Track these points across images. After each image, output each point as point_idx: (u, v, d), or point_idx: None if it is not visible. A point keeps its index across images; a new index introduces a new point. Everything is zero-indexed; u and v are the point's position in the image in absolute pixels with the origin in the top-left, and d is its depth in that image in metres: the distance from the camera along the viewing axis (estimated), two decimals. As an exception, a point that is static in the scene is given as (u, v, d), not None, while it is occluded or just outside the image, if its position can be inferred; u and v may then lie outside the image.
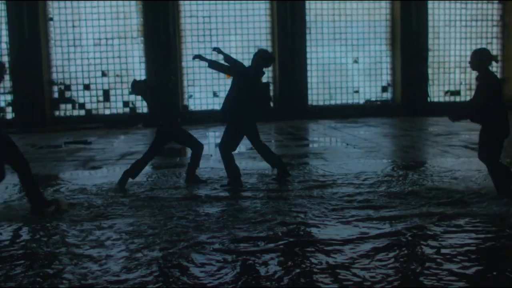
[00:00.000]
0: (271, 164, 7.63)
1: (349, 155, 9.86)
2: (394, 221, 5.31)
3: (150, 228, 5.29)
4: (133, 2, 18.20)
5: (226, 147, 7.23)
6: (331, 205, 6.03)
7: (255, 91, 7.15)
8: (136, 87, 7.63)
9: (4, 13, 17.45)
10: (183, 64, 18.42)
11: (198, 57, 7.48)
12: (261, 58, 7.24)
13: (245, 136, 7.38)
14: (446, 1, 19.30)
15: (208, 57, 7.73)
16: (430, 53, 19.26)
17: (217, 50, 7.39)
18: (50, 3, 17.99)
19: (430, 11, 19.05)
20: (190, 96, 18.58)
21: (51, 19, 18.06)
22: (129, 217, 5.76)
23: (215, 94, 18.60)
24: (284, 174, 7.49)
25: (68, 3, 18.02)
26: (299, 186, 7.10)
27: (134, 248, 4.68)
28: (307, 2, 18.52)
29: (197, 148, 7.72)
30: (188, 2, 18.37)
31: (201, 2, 18.39)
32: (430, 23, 19.11)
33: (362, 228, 5.12)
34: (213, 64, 7.38)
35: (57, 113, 18.30)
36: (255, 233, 5.06)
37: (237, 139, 7.29)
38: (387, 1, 19.14)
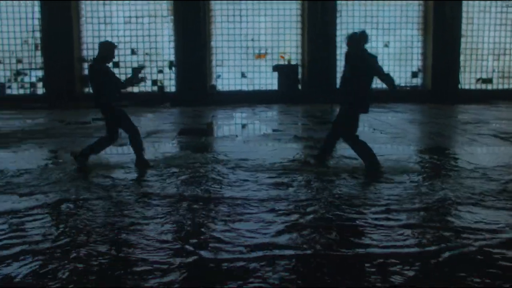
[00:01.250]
0: (322, 147, 7.54)
1: (375, 140, 9.77)
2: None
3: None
4: (164, -19, 18.22)
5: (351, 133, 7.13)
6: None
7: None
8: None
9: (37, -11, 17.64)
10: (212, 44, 18.40)
11: None
12: (363, 39, 6.89)
13: None
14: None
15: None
16: (463, 39, 18.90)
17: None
18: (82, -20, 18.11)
19: (464, -3, 18.69)
20: (218, 76, 18.59)
21: (83, -4, 18.20)
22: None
23: (243, 75, 18.57)
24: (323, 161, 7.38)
25: (100, -19, 18.14)
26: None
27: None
28: (338, -16, 18.31)
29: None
30: (219, -18, 18.32)
31: (232, -18, 18.33)
32: (464, 8, 18.73)
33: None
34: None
35: (86, 90, 18.48)
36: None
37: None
38: (421, -16, 18.82)
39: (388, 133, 10.79)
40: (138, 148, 7.46)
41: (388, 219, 4.91)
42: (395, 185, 6.20)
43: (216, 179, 6.52)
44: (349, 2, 18.69)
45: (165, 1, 18.24)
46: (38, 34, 17.99)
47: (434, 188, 6.04)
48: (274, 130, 11.40)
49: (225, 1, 18.37)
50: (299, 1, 18.48)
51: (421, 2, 18.87)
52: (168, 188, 6.09)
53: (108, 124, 7.48)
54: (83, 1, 18.17)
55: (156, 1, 18.26)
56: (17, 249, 4.14)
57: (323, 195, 5.76)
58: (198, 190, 5.97)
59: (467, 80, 19.25)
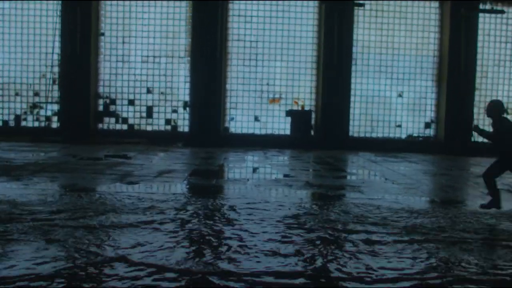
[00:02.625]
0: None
1: (387, 190, 9.70)
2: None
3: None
4: (182, 22, 18.52)
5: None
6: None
7: None
8: None
9: (58, 26, 17.98)
10: (227, 86, 18.58)
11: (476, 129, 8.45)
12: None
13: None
14: (497, 41, 19.07)
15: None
16: (476, 92, 18.96)
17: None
18: (102, 19, 18.46)
19: (479, 49, 18.81)
20: (232, 119, 18.68)
21: (103, 34, 18.52)
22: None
23: (256, 119, 18.66)
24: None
25: (120, 20, 18.48)
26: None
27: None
28: (354, 33, 18.52)
29: None
30: (237, 25, 18.60)
31: (249, 26, 18.60)
32: (478, 62, 18.85)
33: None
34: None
35: (100, 125, 18.64)
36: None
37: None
38: (436, 35, 18.96)
39: (400, 183, 10.72)
40: None
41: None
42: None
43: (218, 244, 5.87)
44: (365, 51, 18.87)
45: (182, 42, 18.51)
46: (56, 69, 18.27)
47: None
48: (285, 176, 11.38)
49: (242, 44, 18.62)
50: (315, 47, 18.67)
51: (436, 53, 19.01)
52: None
53: None
54: (103, 38, 18.48)
55: (174, 41, 18.53)
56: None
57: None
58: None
59: (480, 133, 19.18)
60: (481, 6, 18.78)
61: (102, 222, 6.24)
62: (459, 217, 7.39)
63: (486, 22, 19.01)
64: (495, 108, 7.86)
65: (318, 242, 5.72)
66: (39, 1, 18.31)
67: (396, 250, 5.54)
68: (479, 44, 18.81)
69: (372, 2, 18.79)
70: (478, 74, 18.91)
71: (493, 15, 19.02)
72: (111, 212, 6.81)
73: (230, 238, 5.77)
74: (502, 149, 7.91)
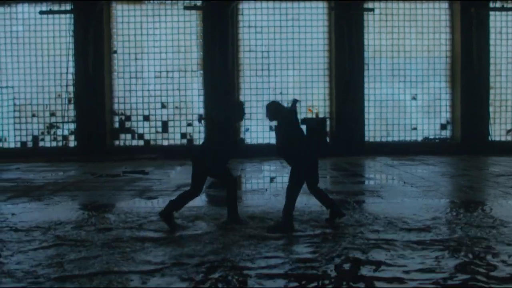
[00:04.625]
0: (325, 205, 7.38)
1: (406, 194, 9.66)
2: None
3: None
4: (193, 36, 18.67)
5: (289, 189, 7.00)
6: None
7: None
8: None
9: (71, 46, 18.20)
10: (241, 97, 18.63)
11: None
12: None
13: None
14: (509, 39, 18.96)
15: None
16: (491, 91, 18.83)
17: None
18: (115, 36, 18.66)
19: (492, 48, 18.71)
20: (247, 130, 18.73)
21: (115, 52, 18.72)
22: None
23: (271, 128, 18.68)
24: (337, 215, 7.23)
25: (132, 37, 18.68)
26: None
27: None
28: (365, 38, 18.53)
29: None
30: (247, 36, 18.70)
31: (259, 37, 18.69)
32: (491, 60, 18.74)
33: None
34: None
35: (116, 142, 18.79)
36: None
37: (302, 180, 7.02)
38: (447, 36, 18.90)
39: (419, 186, 10.67)
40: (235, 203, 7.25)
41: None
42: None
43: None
44: (376, 55, 18.86)
45: (194, 55, 18.64)
46: (71, 88, 18.48)
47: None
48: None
49: (254, 55, 18.70)
50: (326, 54, 18.70)
51: (448, 54, 18.94)
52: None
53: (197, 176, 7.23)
54: (116, 55, 18.67)
55: (186, 56, 18.66)
56: None
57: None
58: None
59: (497, 132, 19.06)
60: (491, 4, 18.70)
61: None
62: None
63: (497, 20, 18.92)
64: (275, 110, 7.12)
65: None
66: (51, 24, 18.56)
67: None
68: (491, 42, 18.71)
69: (382, 6, 18.80)
70: (492, 73, 18.79)
71: (504, 12, 18.92)
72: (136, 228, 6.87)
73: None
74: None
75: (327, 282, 4.76)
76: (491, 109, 18.83)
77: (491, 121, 18.84)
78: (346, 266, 5.24)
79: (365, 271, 5.06)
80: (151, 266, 5.23)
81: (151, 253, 5.70)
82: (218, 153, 7.07)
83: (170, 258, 5.50)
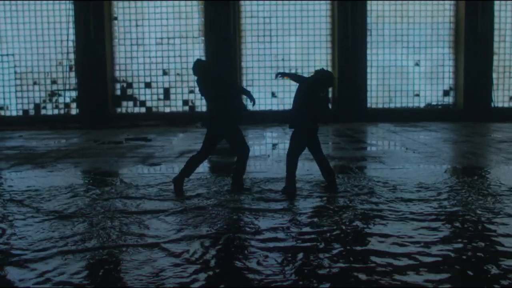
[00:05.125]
0: (324, 176, 7.41)
1: (408, 160, 9.68)
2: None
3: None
4: (194, 2, 18.48)
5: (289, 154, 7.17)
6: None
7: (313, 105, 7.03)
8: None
9: (71, 12, 18.05)
10: (243, 64, 18.55)
11: (281, 74, 7.45)
12: (319, 81, 7.01)
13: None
14: (514, 3, 18.75)
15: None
16: (495, 57, 18.69)
17: (281, 74, 7.43)
18: (115, 3, 18.49)
19: (496, 13, 18.50)
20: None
21: (116, 18, 18.56)
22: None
23: (273, 95, 18.64)
24: (332, 188, 7.26)
25: (132, 3, 18.49)
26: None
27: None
28: (368, 3, 18.33)
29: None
30: (249, 2, 18.50)
31: (261, 2, 18.49)
32: (496, 26, 18.55)
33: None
34: (294, 77, 7.48)
35: (119, 110, 18.78)
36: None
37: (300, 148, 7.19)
38: (451, 2, 18.69)
39: (421, 152, 10.68)
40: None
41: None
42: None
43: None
44: (379, 21, 18.68)
45: (195, 22, 18.47)
46: (72, 56, 18.38)
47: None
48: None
49: (256, 21, 18.53)
50: (329, 20, 18.53)
51: (452, 20, 18.75)
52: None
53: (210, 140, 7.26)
54: (116, 22, 18.52)
55: (187, 22, 18.50)
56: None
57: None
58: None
59: (500, 98, 18.99)
60: (496, -31, 18.42)
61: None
62: None
63: (502, -15, 18.66)
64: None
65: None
66: (51, -11, 18.38)
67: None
68: (496, 7, 18.48)
69: (385, -29, 18.54)
70: (496, 38, 18.62)
71: (509, -23, 18.66)
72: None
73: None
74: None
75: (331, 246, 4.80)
76: (494, 75, 18.72)
77: (494, 87, 18.74)
78: (348, 234, 5.28)
79: (367, 240, 5.11)
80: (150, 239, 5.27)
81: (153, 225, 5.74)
82: (235, 116, 7.17)
83: (171, 230, 5.55)
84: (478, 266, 4.24)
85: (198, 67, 7.20)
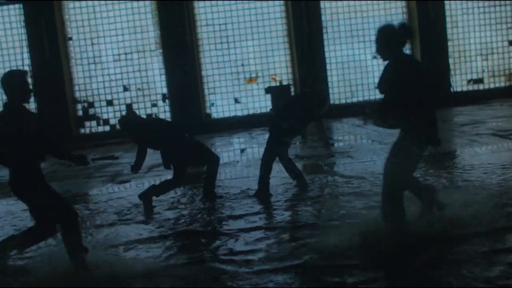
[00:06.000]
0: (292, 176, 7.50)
1: (375, 152, 9.80)
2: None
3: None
4: (149, 15, 18.36)
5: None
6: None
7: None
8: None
9: (24, 36, 17.76)
10: (203, 73, 18.50)
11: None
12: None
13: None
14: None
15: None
16: (449, 43, 19.06)
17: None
18: (68, 23, 18.24)
19: (447, 1, 18.86)
20: (212, 104, 18.62)
21: (70, 38, 18.31)
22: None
23: (236, 101, 18.63)
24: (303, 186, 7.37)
25: (86, 22, 18.25)
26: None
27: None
28: (321, 1, 18.48)
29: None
30: (204, 11, 18.44)
31: (216, 10, 18.46)
32: (447, 12, 18.91)
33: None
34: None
35: (82, 130, 18.53)
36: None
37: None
38: (402, -4, 18.99)
39: (387, 143, 10.82)
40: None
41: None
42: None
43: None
44: (334, 18, 18.85)
45: (152, 35, 18.38)
46: (29, 80, 18.04)
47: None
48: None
49: (211, 29, 18.49)
50: (284, 21, 18.64)
51: (404, 10, 19.04)
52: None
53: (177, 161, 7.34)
54: (71, 42, 18.27)
55: (143, 36, 18.39)
56: None
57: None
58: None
59: (459, 82, 19.37)
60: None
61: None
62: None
63: (449, -30, 19.04)
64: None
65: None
66: (1, 16, 18.04)
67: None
68: (446, -5, 18.85)
69: (334, -32, 18.74)
70: (448, 25, 18.98)
71: (456, -37, 19.06)
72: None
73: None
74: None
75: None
76: (450, 60, 19.06)
77: (452, 72, 19.11)
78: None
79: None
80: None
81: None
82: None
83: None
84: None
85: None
